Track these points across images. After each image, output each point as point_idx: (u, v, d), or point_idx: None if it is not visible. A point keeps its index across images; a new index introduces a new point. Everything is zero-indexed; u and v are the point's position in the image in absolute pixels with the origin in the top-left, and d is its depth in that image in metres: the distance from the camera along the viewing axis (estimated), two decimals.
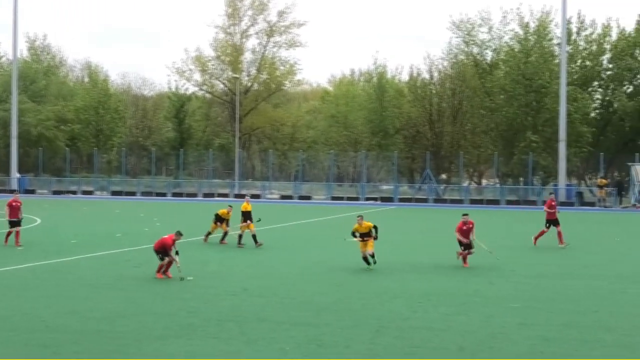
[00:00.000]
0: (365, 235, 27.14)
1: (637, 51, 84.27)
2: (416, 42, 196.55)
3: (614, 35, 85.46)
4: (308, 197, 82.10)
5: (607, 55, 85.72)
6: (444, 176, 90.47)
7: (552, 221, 35.76)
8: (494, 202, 73.61)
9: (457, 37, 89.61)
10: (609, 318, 19.86)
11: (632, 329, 18.58)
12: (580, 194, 71.14)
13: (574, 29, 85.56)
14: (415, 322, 18.47)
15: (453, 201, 76.01)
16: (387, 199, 78.36)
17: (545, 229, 35.76)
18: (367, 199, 79.81)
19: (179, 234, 24.72)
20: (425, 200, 76.84)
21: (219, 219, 35.87)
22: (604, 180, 70.95)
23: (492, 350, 16.05)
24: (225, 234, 35.61)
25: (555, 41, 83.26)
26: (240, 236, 34.61)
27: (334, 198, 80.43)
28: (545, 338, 17.36)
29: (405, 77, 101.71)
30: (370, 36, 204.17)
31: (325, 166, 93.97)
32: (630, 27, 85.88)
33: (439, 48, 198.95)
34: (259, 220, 36.08)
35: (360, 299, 21.53)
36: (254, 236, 34.47)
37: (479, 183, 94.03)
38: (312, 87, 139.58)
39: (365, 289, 23.16)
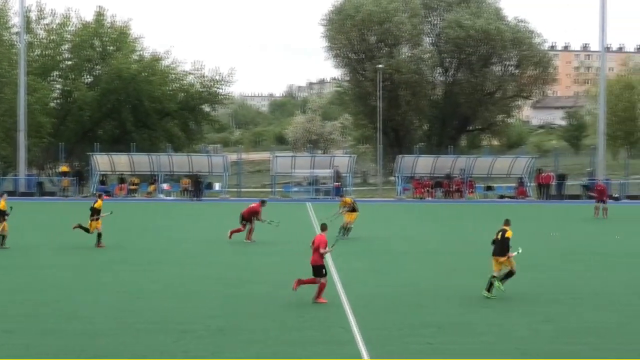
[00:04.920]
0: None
1: (96, 42, 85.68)
2: None
3: (75, 26, 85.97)
4: None
5: (67, 46, 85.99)
6: None
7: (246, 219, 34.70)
8: None
9: None
10: (72, 306, 19.95)
11: (97, 316, 18.89)
12: (40, 184, 70.52)
13: (34, 18, 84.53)
14: None
15: None
16: None
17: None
18: None
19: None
20: None
21: None
22: (65, 168, 71.06)
23: None
24: None
25: (14, 30, 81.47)
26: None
27: None
28: (5, 330, 16.97)
29: None
30: None
31: None
32: (90, 18, 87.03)
33: None
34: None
35: None
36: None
37: None
38: None
39: None
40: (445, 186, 66.74)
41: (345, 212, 36.44)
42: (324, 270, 21.47)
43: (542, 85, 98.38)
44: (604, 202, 49.06)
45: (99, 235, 32.55)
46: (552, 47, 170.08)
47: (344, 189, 64.49)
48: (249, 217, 34.67)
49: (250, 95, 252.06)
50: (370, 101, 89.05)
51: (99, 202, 33.13)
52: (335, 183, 65.72)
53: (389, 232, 39.78)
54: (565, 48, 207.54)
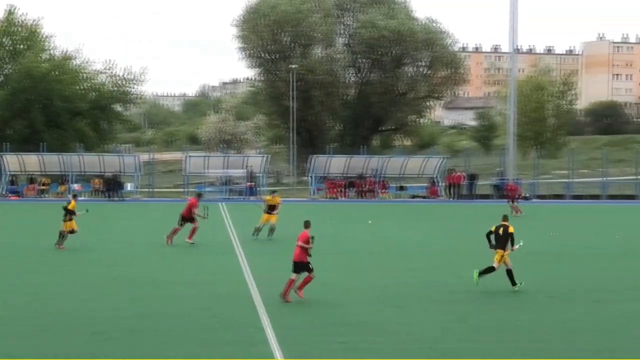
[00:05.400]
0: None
1: (6, 41, 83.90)
2: None
3: None
4: None
5: None
6: None
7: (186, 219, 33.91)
8: None
9: None
10: None
11: (7, 318, 18.58)
12: None
13: None
14: None
15: None
16: None
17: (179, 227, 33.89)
18: None
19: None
20: None
21: None
22: None
23: None
24: None
25: None
26: None
27: None
28: None
29: None
30: None
31: None
32: (0, 17, 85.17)
33: None
34: None
35: None
36: None
37: None
38: None
39: None
40: (358, 186, 67.13)
41: (265, 211, 36.16)
42: (310, 265, 21.55)
43: (453, 86, 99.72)
44: (513, 201, 50.37)
45: (65, 235, 32.12)
46: (464, 48, 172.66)
47: (258, 189, 64.38)
48: (189, 216, 34.01)
49: (162, 94, 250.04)
50: (283, 101, 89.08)
51: (73, 202, 32.84)
52: (248, 183, 65.55)
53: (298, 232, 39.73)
54: (476, 49, 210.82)
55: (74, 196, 35.16)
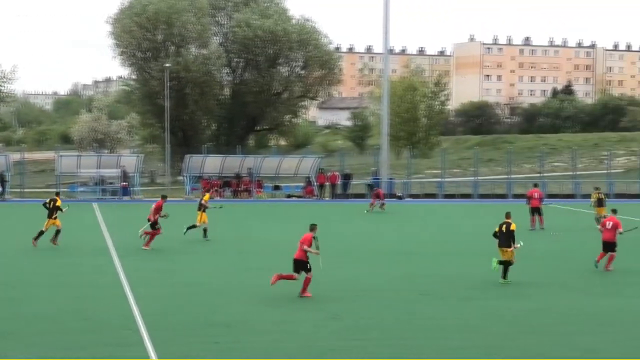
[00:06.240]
0: None
1: None
2: None
3: None
4: None
5: None
6: None
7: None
8: None
9: None
10: None
11: None
12: None
13: None
14: None
15: None
16: None
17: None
18: None
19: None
20: None
21: None
22: None
23: None
24: None
25: None
26: None
27: None
28: None
29: None
30: None
31: None
32: None
33: None
34: None
35: None
36: None
37: None
38: None
39: None
40: (234, 186, 67.08)
41: (201, 210, 36.11)
42: (308, 265, 22.09)
43: (327, 86, 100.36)
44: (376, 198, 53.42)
45: (58, 231, 32.38)
46: (337, 49, 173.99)
47: (132, 189, 63.59)
48: (156, 220, 32.90)
49: (33, 93, 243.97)
50: (157, 100, 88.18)
51: (59, 200, 33.13)
52: (122, 183, 64.70)
53: (176, 232, 39.47)
54: (350, 49, 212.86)
55: (57, 194, 35.34)
